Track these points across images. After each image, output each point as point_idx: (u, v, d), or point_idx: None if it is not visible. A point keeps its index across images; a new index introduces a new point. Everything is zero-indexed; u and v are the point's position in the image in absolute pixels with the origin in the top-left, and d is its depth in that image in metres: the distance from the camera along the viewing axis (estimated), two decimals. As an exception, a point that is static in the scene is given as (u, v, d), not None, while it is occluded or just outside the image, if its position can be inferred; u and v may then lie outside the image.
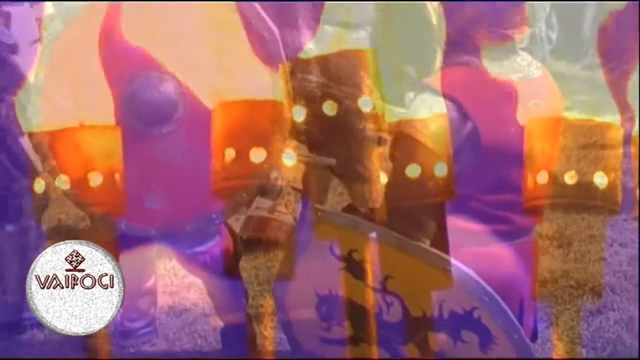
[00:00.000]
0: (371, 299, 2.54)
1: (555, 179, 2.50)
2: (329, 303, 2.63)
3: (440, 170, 2.42)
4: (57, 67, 2.81)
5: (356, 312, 2.61)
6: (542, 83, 2.59)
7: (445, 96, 2.43)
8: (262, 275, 4.09)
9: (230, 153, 2.57)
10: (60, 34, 2.80)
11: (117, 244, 2.79)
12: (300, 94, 2.70)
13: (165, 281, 4.07)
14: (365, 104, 3.01)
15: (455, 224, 2.51)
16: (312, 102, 2.68)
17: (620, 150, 4.96)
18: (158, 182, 2.65)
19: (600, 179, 2.61)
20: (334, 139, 2.66)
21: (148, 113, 2.64)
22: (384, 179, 3.45)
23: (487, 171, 2.47)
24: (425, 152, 2.41)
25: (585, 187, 2.56)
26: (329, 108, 2.78)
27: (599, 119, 2.84)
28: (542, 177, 2.49)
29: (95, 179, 2.59)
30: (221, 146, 2.57)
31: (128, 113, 2.65)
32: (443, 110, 2.39)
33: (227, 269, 3.02)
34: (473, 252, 2.52)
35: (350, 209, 2.83)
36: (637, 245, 4.26)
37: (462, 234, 2.51)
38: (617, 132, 4.40)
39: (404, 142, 2.49)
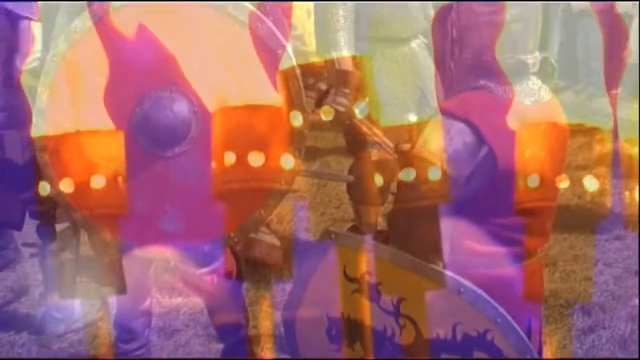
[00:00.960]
0: (384, 321, 2.54)
1: (546, 183, 2.51)
2: (339, 326, 2.62)
3: (434, 174, 2.45)
4: (60, 87, 2.77)
5: (368, 335, 2.60)
6: (551, 106, 2.62)
7: (461, 120, 2.45)
8: (251, 296, 4.07)
9: (230, 157, 2.59)
10: (65, 54, 2.76)
11: (121, 265, 2.77)
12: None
13: (153, 302, 4.03)
14: (361, 109, 3.05)
15: (469, 246, 2.53)
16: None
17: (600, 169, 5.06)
18: (173, 203, 2.63)
19: (589, 183, 2.63)
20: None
21: (162, 135, 2.62)
22: (379, 181, 3.47)
23: (501, 194, 2.49)
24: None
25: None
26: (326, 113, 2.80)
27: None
28: (533, 181, 2.51)
29: (98, 182, 2.59)
30: (221, 150, 2.60)
31: (140, 135, 2.63)
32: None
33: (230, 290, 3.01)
34: (486, 274, 2.53)
35: (355, 229, 2.84)
36: (621, 265, 4.35)
37: (475, 256, 2.53)
38: (600, 148, 4.48)
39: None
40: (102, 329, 3.60)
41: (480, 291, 2.45)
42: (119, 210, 2.63)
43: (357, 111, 3.09)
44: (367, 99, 3.27)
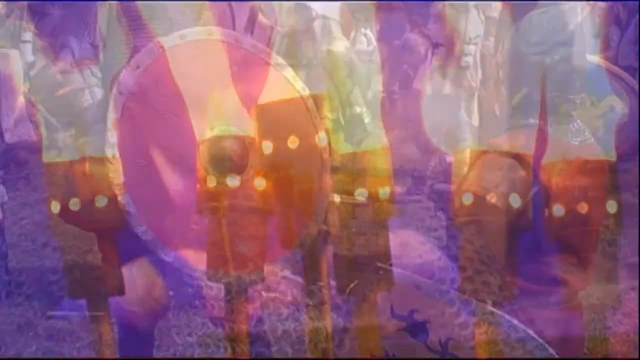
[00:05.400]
0: (430, 360, 2.51)
1: (479, 200, 2.53)
2: (384, 364, 2.58)
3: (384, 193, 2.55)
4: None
5: (413, 374, 2.56)
6: (594, 148, 2.64)
7: (512, 156, 2.46)
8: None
9: (211, 179, 2.77)
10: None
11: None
12: None
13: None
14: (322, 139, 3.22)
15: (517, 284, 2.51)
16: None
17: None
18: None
19: (514, 200, 2.65)
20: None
21: (228, 164, 2.74)
22: (337, 199, 3.55)
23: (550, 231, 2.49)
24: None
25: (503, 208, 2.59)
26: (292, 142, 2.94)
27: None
28: (467, 199, 2.53)
29: (101, 201, 2.81)
30: (204, 174, 2.78)
31: (209, 162, 2.74)
32: None
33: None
34: (534, 313, 2.52)
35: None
36: (638, 315, 4.32)
37: (522, 295, 2.52)
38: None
39: None
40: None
41: (530, 330, 2.43)
42: (118, 225, 2.81)
43: (317, 140, 3.24)
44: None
